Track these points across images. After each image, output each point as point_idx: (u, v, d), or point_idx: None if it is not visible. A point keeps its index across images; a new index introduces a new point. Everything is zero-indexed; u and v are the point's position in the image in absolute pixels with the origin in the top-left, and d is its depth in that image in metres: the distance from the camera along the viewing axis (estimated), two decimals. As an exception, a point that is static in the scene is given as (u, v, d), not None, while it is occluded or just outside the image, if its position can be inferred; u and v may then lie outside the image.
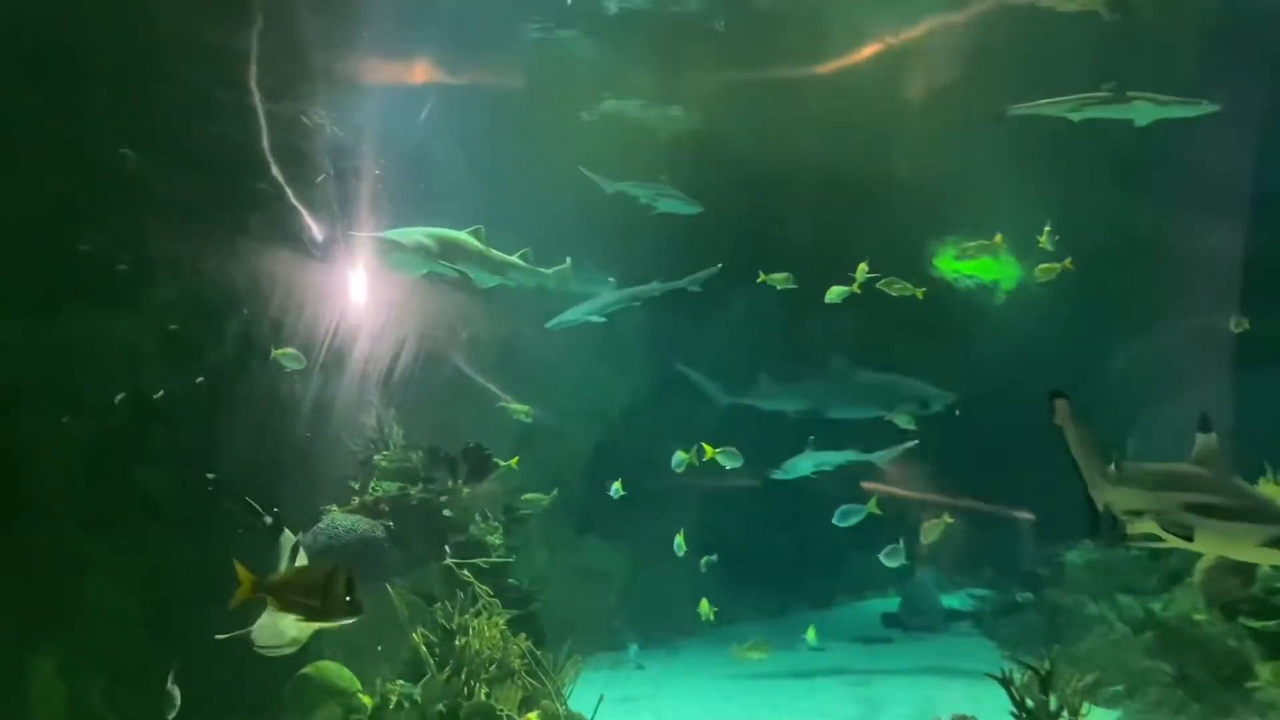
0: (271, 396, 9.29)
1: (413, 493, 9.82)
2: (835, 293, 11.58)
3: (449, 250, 10.70)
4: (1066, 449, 5.80)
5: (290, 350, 9.36)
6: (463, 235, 11.08)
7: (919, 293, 11.58)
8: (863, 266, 11.27)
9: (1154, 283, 13.04)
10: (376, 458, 10.14)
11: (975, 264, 14.18)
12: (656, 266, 15.35)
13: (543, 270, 12.26)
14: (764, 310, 16.95)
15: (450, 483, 10.08)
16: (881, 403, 15.11)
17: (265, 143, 8.82)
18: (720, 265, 14.34)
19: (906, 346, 16.19)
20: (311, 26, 9.35)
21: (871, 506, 12.00)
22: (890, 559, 11.76)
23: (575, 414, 15.17)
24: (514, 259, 11.73)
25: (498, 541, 10.08)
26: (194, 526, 8.96)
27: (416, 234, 10.46)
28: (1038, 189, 13.61)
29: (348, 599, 5.01)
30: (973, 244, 12.59)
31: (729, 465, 11.86)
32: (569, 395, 15.43)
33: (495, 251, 11.44)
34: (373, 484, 9.85)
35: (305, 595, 5.09)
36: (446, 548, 9.58)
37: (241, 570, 5.28)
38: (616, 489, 12.50)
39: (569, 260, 12.90)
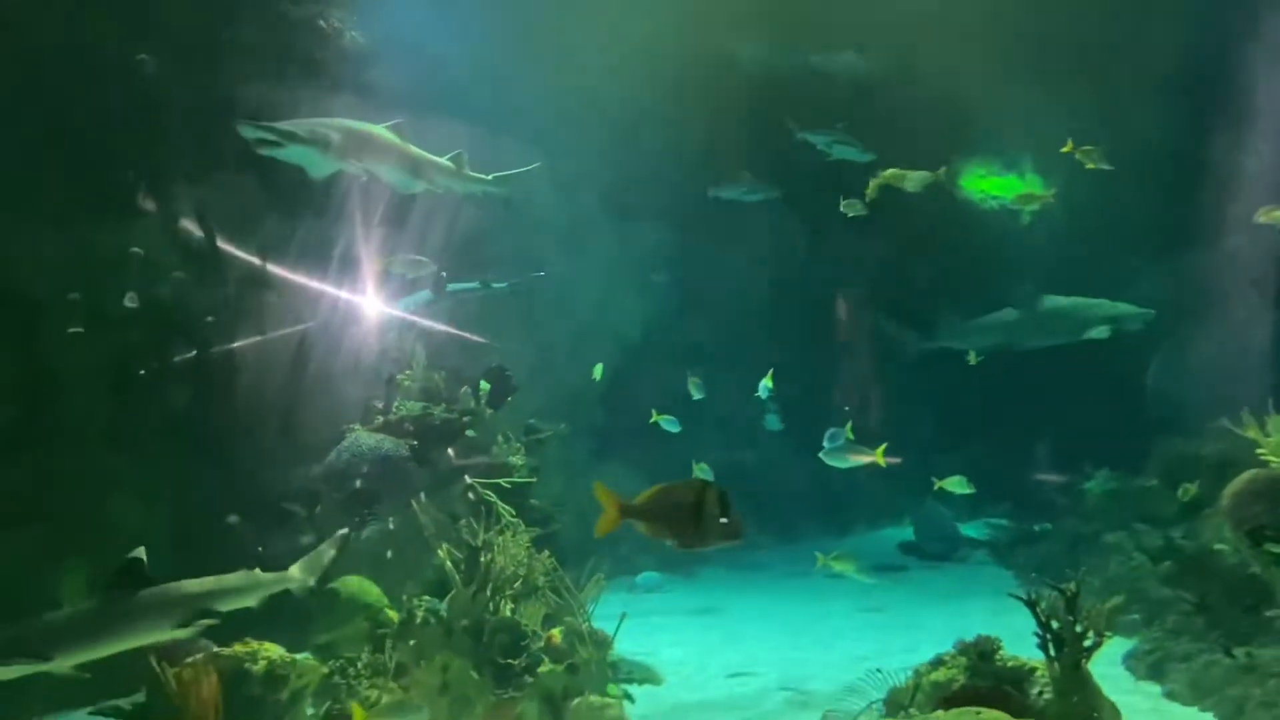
0: (294, 313, 9.22)
1: (436, 412, 9.77)
2: (851, 206, 11.36)
3: (357, 145, 8.90)
4: None
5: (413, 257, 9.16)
6: (377, 129, 9.29)
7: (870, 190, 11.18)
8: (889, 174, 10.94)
9: (1187, 200, 12.73)
10: (400, 377, 10.08)
11: (1000, 183, 13.89)
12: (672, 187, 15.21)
13: (481, 176, 10.38)
14: (785, 229, 16.77)
15: (473, 403, 10.03)
16: (1076, 328, 14.71)
17: (283, 48, 8.53)
18: (543, 272, 13.54)
19: (926, 268, 16.01)
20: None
21: (847, 432, 11.71)
22: (832, 458, 10.35)
23: (594, 337, 15.07)
24: (443, 161, 9.92)
25: (519, 462, 10.06)
26: (216, 444, 8.98)
27: (316, 124, 8.67)
28: (1070, 103, 13.29)
29: (724, 520, 4.50)
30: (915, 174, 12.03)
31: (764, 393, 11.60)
32: (587, 318, 15.33)
33: (418, 150, 9.66)
34: (396, 403, 9.80)
35: (675, 517, 4.55)
36: (450, 452, 9.54)
37: (604, 494, 4.72)
38: (669, 420, 12.14)
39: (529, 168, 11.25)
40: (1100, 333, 14.50)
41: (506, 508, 8.70)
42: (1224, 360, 13.32)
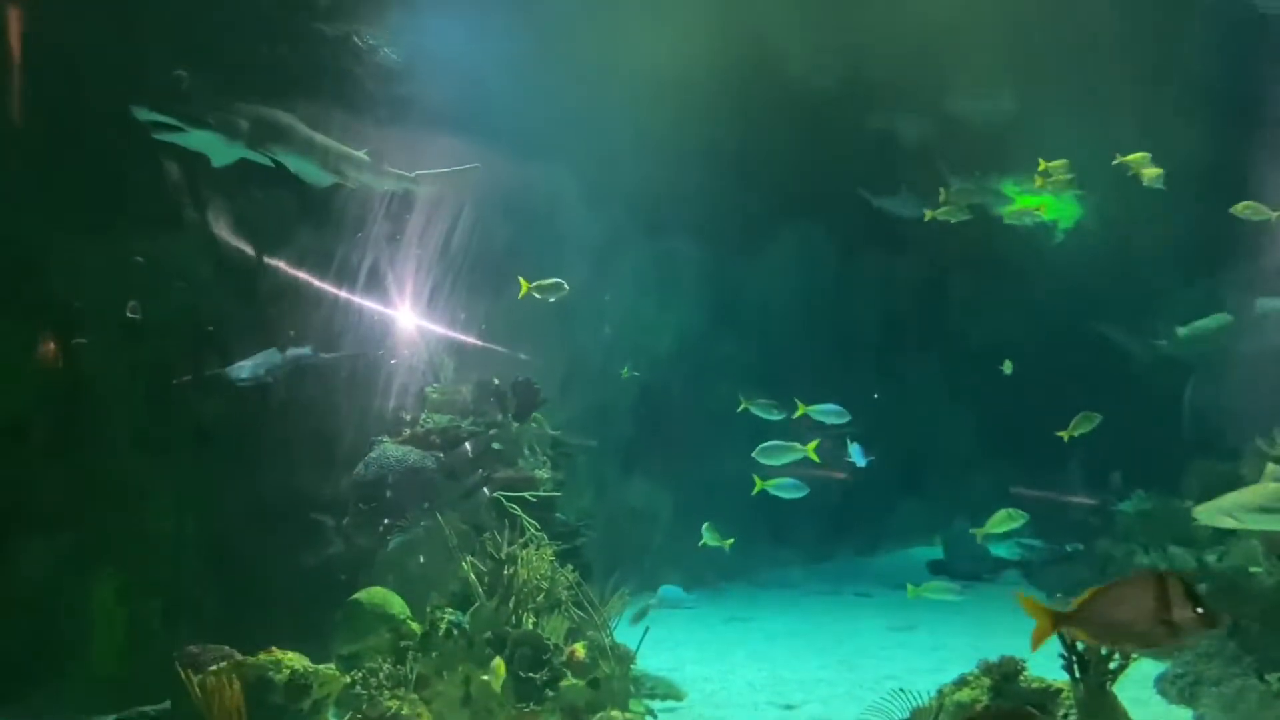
0: (325, 324, 9.34)
1: (463, 425, 9.84)
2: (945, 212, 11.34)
3: (266, 133, 8.25)
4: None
5: (551, 281, 9.24)
6: (288, 117, 8.62)
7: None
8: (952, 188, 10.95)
9: (1224, 217, 12.56)
10: (428, 390, 10.18)
11: (1034, 200, 13.77)
12: (705, 204, 15.22)
13: (404, 174, 9.65)
14: (816, 246, 16.74)
15: (499, 416, 10.09)
16: None
17: (317, 65, 8.63)
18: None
19: (961, 285, 15.91)
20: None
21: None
22: (765, 455, 9.99)
23: (621, 352, 15.10)
24: (359, 154, 9.20)
25: (544, 475, 10.09)
26: (247, 454, 9.08)
27: (221, 109, 8.05)
28: (1109, 121, 13.20)
29: (1199, 610, 4.14)
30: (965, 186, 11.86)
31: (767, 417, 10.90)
32: (615, 333, 15.37)
33: (334, 142, 8.95)
34: (424, 416, 9.89)
35: (1137, 619, 4.22)
36: (483, 472, 9.59)
37: (1032, 606, 4.50)
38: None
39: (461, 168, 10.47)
40: None
41: (531, 521, 8.72)
42: (1261, 379, 13.12)
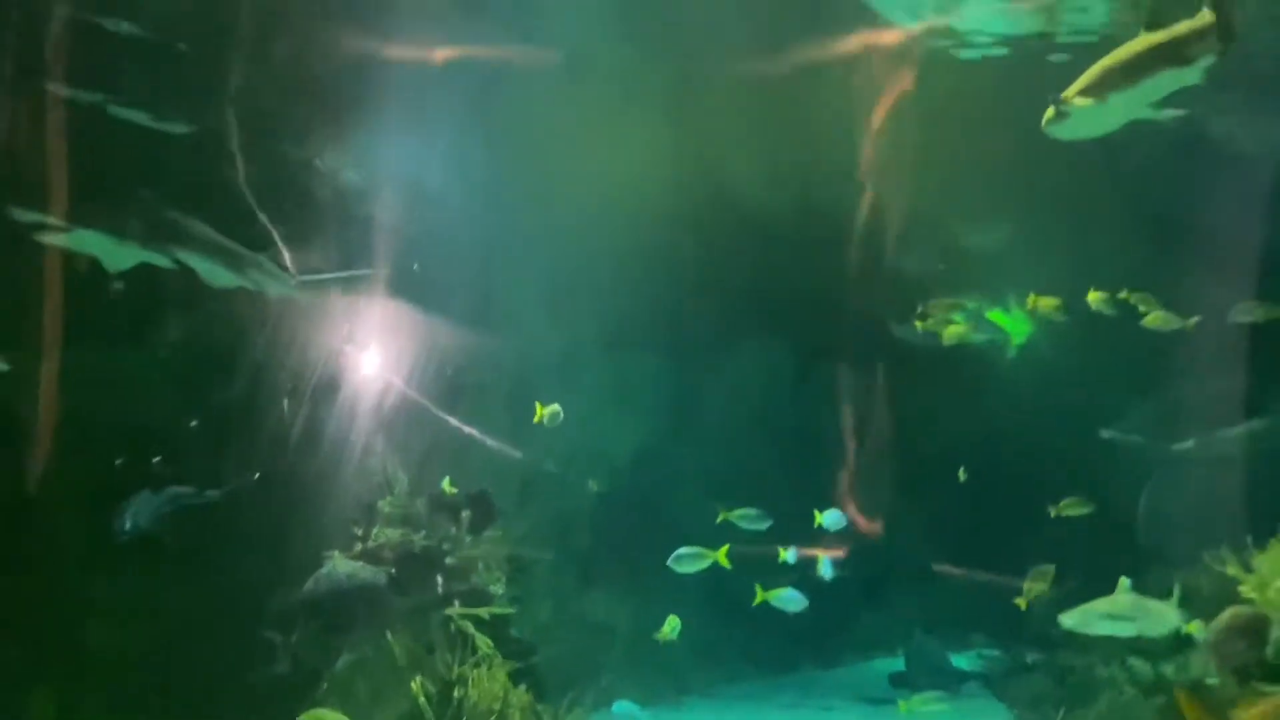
0: (277, 438, 9.30)
1: (415, 540, 9.75)
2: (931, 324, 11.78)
3: (161, 233, 7.96)
4: None
5: (554, 408, 9.71)
6: (185, 216, 8.33)
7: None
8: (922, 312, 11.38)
9: (1171, 339, 12.92)
10: (380, 503, 10.10)
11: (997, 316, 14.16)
12: (665, 318, 15.41)
13: (289, 277, 9.47)
14: (774, 359, 16.95)
15: (454, 530, 10.02)
16: None
17: (280, 185, 8.80)
18: None
19: (917, 400, 16.12)
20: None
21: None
22: (680, 564, 9.69)
23: (580, 461, 15.10)
24: (259, 257, 9.01)
25: (500, 591, 9.99)
26: (195, 566, 8.94)
27: (113, 209, 7.86)
28: (1055, 242, 13.63)
29: None
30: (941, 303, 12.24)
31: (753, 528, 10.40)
32: (574, 441, 15.36)
33: (231, 243, 8.69)
34: (375, 530, 9.79)
35: None
36: (438, 583, 9.48)
37: (1189, 702, 4.27)
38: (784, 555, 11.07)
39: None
40: None
41: (484, 639, 8.61)
42: (1213, 492, 13.33)
